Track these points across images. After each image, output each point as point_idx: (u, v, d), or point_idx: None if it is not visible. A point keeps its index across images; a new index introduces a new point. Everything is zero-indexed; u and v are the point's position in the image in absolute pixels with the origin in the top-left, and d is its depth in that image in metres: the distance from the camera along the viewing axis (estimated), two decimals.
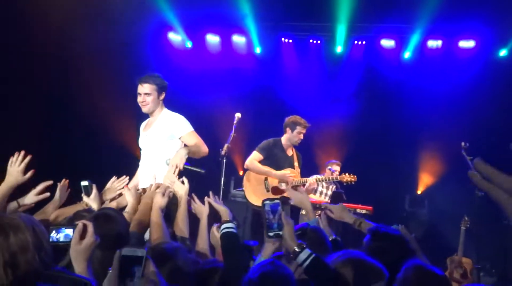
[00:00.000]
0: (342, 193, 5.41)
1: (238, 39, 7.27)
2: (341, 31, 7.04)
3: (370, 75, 7.09)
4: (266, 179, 4.85)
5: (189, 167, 3.24)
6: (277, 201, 1.95)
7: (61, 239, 1.70)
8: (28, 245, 1.50)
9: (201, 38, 7.23)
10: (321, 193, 5.99)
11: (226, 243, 2.12)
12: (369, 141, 6.73)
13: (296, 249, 1.84)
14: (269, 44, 7.31)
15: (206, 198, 2.60)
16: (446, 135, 6.40)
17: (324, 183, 5.89)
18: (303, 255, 1.81)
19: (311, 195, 5.81)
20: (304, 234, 2.19)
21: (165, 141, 3.48)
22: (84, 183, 2.85)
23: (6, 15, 4.79)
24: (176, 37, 7.23)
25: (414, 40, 6.93)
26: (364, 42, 7.20)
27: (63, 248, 1.69)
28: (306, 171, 5.74)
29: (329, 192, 5.96)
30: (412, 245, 2.29)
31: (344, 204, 5.23)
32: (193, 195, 2.75)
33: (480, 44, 6.72)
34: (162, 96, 3.55)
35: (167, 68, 6.84)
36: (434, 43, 6.93)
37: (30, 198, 2.56)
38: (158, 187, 2.76)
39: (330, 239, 2.47)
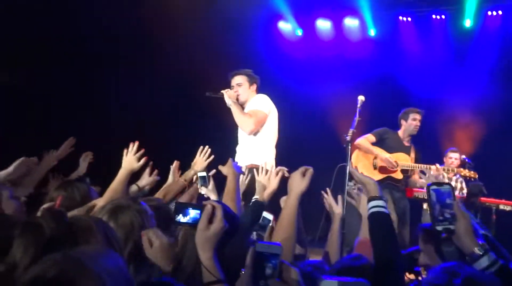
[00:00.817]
0: (481, 186, 4.74)
1: (350, 22, 6.85)
2: (470, 2, 6.20)
3: (510, 50, 6.10)
4: (375, 157, 4.71)
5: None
6: (448, 187, 1.56)
7: (187, 221, 1.50)
8: None
9: (311, 25, 6.97)
10: None
11: (376, 227, 1.68)
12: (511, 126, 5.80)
13: (476, 251, 1.46)
14: (385, 24, 6.75)
15: (349, 169, 2.15)
16: None
17: (445, 174, 5.36)
18: (485, 260, 1.43)
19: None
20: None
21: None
22: (202, 174, 2.82)
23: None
24: (286, 26, 7.08)
25: None
26: (500, 12, 6.24)
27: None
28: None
29: (455, 184, 5.46)
30: None
31: (483, 198, 4.70)
32: (328, 190, 2.50)
33: None
34: (254, 87, 3.80)
35: (279, 59, 6.77)
36: None
37: (145, 179, 2.78)
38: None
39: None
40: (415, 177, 4.74)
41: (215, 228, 1.40)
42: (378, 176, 4.60)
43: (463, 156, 5.10)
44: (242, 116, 3.64)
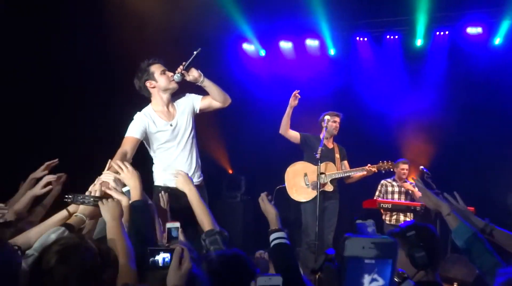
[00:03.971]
0: (439, 194, 5.08)
1: (311, 43, 7.21)
2: (420, 23, 6.68)
3: (456, 66, 6.62)
4: (305, 174, 4.92)
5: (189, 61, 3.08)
6: (371, 221, 1.76)
7: (160, 264, 1.61)
8: None
9: (274, 46, 7.29)
10: (397, 193, 5.82)
11: (278, 257, 1.86)
12: (462, 137, 6.26)
13: (396, 278, 1.60)
14: (343, 44, 7.15)
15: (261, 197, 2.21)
16: None
17: (395, 183, 5.92)
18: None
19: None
20: (418, 233, 1.98)
21: (192, 121, 3.29)
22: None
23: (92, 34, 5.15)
24: (249, 47, 7.36)
25: (505, 24, 6.36)
26: (447, 32, 6.76)
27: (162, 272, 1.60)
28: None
29: (406, 190, 5.85)
30: None
31: None
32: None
33: None
34: None
35: (244, 77, 7.02)
36: None
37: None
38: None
39: (482, 227, 2.21)
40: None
41: (185, 268, 1.54)
42: (312, 194, 4.81)
43: (421, 167, 5.47)
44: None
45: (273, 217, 2.03)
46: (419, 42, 6.88)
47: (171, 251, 1.57)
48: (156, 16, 5.32)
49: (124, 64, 4.33)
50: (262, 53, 7.38)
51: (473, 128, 6.21)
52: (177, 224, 2.17)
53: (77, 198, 2.18)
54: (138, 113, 3.19)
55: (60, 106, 5.21)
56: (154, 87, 3.18)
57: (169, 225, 2.18)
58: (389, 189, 5.91)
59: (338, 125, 5.08)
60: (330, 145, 5.11)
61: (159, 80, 3.16)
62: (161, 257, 1.59)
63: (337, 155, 5.08)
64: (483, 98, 6.32)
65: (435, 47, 6.85)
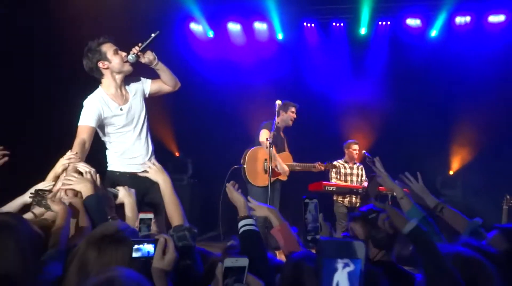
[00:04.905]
0: (375, 176, 5.35)
1: (259, 26, 7.20)
2: (364, 12, 6.90)
3: (396, 55, 6.95)
4: (265, 160, 4.87)
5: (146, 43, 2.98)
6: (315, 200, 1.82)
7: (143, 255, 1.55)
8: None
9: (222, 27, 7.18)
10: (349, 175, 5.99)
11: (247, 243, 1.85)
12: (397, 123, 6.62)
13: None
14: (291, 29, 7.21)
15: (227, 187, 2.18)
16: (478, 113, 6.26)
17: (346, 165, 6.01)
18: None
19: (337, 181, 5.88)
20: (376, 217, 2.10)
21: (144, 104, 3.19)
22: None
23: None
24: (197, 27, 7.19)
25: (441, 17, 6.75)
26: (388, 23, 7.05)
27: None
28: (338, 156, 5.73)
29: (357, 172, 5.98)
30: None
31: (380, 187, 5.32)
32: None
33: (511, 17, 6.53)
34: None
35: (191, 58, 6.87)
36: (462, 19, 6.75)
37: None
38: None
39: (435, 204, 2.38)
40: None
41: (169, 259, 1.54)
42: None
43: (364, 151, 5.71)
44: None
45: (242, 204, 2.01)
46: (363, 30, 7.11)
47: (154, 242, 1.55)
48: None
49: (69, 46, 4.10)
50: (210, 34, 7.25)
51: (409, 115, 6.59)
52: (151, 216, 2.10)
53: (35, 199, 2.18)
54: (89, 98, 2.99)
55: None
56: (107, 68, 2.99)
57: (142, 216, 2.10)
58: (342, 171, 5.95)
59: (295, 116, 5.08)
60: (282, 135, 5.15)
61: (113, 60, 2.98)
62: (143, 248, 1.53)
63: (285, 145, 5.21)
64: (419, 87, 6.71)
65: (378, 36, 7.12)
